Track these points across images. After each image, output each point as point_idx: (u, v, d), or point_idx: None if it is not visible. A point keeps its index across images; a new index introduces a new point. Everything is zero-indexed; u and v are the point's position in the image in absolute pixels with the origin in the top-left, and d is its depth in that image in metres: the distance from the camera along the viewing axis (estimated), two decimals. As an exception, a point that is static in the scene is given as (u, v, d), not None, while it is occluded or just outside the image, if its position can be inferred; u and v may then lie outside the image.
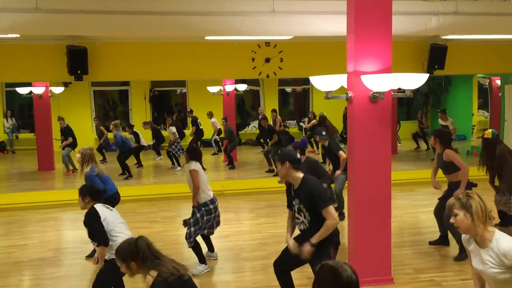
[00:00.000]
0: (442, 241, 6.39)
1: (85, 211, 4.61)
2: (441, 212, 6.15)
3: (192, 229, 5.68)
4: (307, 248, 4.03)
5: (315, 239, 4.02)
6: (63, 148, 12.38)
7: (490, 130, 6.69)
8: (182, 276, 3.21)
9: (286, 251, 4.35)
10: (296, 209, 4.21)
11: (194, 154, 5.90)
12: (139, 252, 3.21)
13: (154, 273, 3.15)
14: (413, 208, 8.60)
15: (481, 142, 6.82)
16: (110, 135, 13.54)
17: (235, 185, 10.25)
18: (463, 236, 3.14)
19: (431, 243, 6.45)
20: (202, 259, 5.76)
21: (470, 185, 5.98)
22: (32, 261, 6.36)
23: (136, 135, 12.75)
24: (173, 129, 12.95)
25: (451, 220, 3.02)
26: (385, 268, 5.24)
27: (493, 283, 3.02)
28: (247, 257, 6.34)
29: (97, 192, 4.84)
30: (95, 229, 4.48)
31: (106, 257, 4.48)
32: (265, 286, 5.31)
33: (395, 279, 5.27)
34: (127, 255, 3.24)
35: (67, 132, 12.51)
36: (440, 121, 13.20)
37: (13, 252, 6.78)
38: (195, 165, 5.78)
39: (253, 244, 6.83)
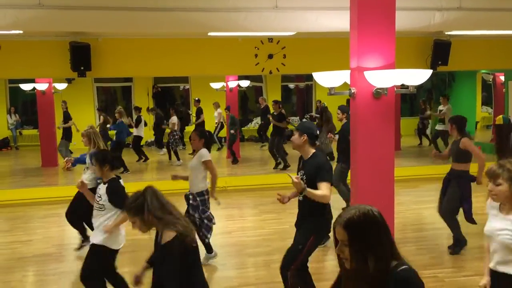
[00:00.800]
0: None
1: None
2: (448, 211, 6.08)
3: (205, 221, 5.69)
4: (297, 180, 3.95)
5: (309, 191, 3.99)
6: (63, 139, 12.61)
7: (500, 116, 6.56)
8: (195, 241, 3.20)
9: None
10: None
11: (207, 141, 5.77)
12: (149, 203, 3.09)
13: (172, 232, 3.05)
14: (416, 204, 8.59)
15: (492, 130, 6.75)
16: (111, 132, 13.62)
17: (238, 181, 10.26)
18: (488, 201, 3.12)
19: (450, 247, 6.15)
20: (209, 249, 5.81)
21: (470, 178, 5.94)
22: (36, 257, 6.39)
23: (139, 118, 12.96)
24: (175, 119, 13.00)
25: (489, 188, 3.00)
26: (388, 264, 5.23)
27: (502, 251, 3.01)
28: (250, 253, 6.35)
29: (115, 159, 4.65)
30: (123, 198, 4.26)
31: (97, 242, 4.39)
32: (268, 282, 5.31)
33: (398, 275, 5.26)
34: (138, 207, 3.10)
35: (67, 115, 13.05)
36: (440, 107, 13.18)
37: (17, 248, 6.81)
38: (207, 154, 5.68)
39: (256, 240, 6.84)
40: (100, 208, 4.46)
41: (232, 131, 12.53)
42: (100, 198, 4.47)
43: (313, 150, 4.28)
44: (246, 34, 8.98)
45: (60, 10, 7.34)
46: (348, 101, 15.75)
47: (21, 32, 8.19)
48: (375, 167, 5.12)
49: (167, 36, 9.74)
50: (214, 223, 5.87)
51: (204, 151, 5.70)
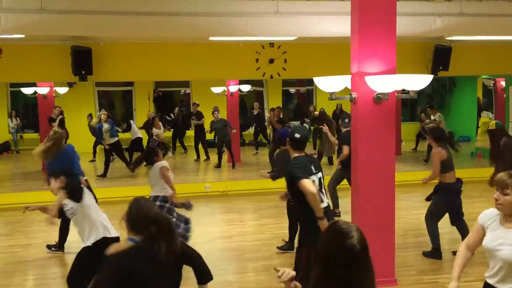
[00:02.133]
0: (434, 254, 6.10)
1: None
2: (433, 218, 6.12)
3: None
4: None
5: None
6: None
7: (493, 122, 6.65)
8: None
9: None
10: None
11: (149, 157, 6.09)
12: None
13: None
14: (417, 209, 8.56)
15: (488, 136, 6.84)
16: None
17: (238, 186, 10.25)
18: (487, 212, 3.02)
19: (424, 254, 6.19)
20: None
21: (459, 181, 6.01)
22: (36, 261, 6.38)
23: (128, 125, 12.88)
24: (158, 132, 12.86)
25: (495, 196, 2.91)
26: (389, 269, 5.23)
27: (507, 267, 2.88)
28: (250, 257, 6.34)
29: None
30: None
31: (89, 243, 4.43)
32: (268, 287, 5.30)
33: (399, 281, 5.25)
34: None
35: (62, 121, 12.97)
36: (431, 117, 13.29)
37: (17, 252, 6.80)
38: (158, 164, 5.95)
39: (256, 244, 6.82)
40: (73, 214, 4.53)
41: (218, 145, 12.50)
42: (67, 206, 4.53)
43: (294, 154, 4.42)
44: (247, 38, 9.00)
45: (61, 14, 7.37)
46: (338, 106, 15.85)
47: (23, 36, 8.23)
48: (375, 171, 5.11)
49: (168, 41, 9.76)
50: None
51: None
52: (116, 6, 7.56)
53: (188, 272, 3.25)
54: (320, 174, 4.44)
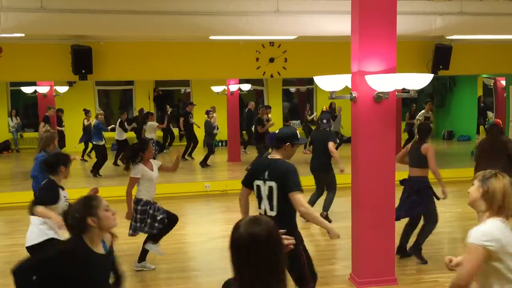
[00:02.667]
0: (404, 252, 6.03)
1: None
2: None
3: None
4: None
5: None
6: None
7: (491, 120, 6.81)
8: None
9: None
10: None
11: (130, 155, 5.67)
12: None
13: None
14: (417, 208, 8.55)
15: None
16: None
17: (238, 185, 10.17)
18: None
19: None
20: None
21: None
22: (36, 260, 6.38)
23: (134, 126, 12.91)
24: (154, 124, 12.64)
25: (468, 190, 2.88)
26: (389, 268, 5.23)
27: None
28: (250, 257, 6.33)
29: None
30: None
31: (38, 241, 4.37)
32: (268, 286, 5.29)
33: (399, 280, 5.25)
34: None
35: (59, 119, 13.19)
36: (424, 112, 13.28)
37: (16, 251, 6.78)
38: (133, 171, 5.61)
39: (257, 244, 6.82)
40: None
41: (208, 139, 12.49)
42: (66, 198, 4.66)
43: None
44: (248, 38, 8.99)
45: (62, 13, 7.36)
46: (333, 105, 15.78)
47: (23, 35, 8.22)
48: (376, 171, 5.11)
49: (169, 40, 9.76)
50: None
51: (133, 167, 5.61)
52: (116, 5, 7.56)
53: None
54: (270, 183, 3.99)
